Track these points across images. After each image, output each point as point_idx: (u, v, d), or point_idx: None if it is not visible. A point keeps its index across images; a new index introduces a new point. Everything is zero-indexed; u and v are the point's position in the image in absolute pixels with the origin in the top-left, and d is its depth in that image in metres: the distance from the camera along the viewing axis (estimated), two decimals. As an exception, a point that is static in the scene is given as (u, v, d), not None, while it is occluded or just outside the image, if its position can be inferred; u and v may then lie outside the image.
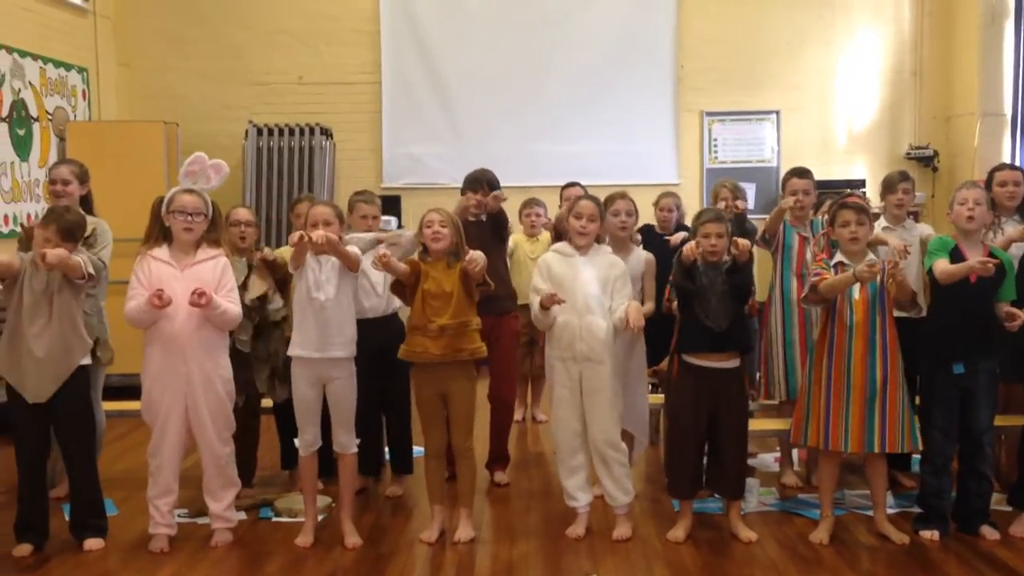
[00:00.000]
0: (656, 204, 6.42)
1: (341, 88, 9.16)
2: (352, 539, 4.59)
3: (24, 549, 4.49)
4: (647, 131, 9.21)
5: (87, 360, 4.57)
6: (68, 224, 4.45)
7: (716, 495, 4.96)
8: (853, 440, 4.45)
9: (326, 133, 8.95)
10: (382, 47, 9.15)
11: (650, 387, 5.97)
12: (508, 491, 5.44)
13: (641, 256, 5.06)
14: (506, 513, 5.07)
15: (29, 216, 7.35)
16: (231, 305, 4.55)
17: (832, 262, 4.53)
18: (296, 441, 4.61)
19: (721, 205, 5.75)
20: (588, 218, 4.62)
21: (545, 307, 4.52)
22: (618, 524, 4.68)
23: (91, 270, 4.50)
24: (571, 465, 4.70)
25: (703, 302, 4.51)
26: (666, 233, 6.33)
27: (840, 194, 5.40)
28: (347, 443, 4.61)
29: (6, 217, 7.28)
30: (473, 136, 8.97)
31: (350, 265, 4.50)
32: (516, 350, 5.68)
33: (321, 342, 4.49)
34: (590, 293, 4.57)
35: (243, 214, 5.23)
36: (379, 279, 5.09)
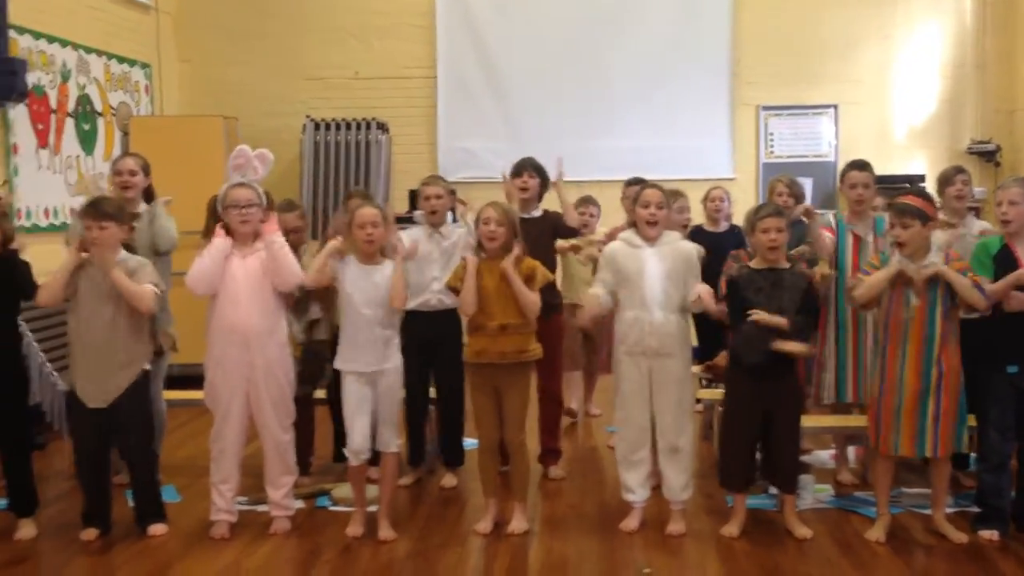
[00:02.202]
0: (705, 198, 6.39)
1: (397, 83, 9.21)
2: (385, 533, 4.61)
3: (90, 534, 4.61)
4: (702, 126, 9.16)
5: (148, 363, 4.66)
6: (102, 208, 4.48)
7: (770, 492, 4.94)
8: (904, 444, 4.41)
9: (382, 127, 9.01)
10: (438, 41, 9.19)
11: (704, 382, 5.98)
12: (561, 485, 5.45)
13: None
14: (559, 507, 5.09)
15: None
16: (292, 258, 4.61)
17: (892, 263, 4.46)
18: (345, 451, 4.63)
19: (778, 200, 5.72)
20: (656, 206, 4.59)
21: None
22: (672, 519, 4.68)
23: (158, 294, 4.57)
24: (633, 460, 4.70)
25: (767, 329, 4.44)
26: (715, 228, 6.31)
27: (899, 190, 5.33)
28: (389, 441, 4.64)
29: (71, 209, 7.41)
30: (528, 130, 8.96)
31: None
32: (562, 346, 5.68)
33: (373, 358, 4.53)
34: (658, 287, 4.55)
35: (290, 220, 5.24)
36: (437, 273, 5.12)
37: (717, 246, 5.65)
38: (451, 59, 9.21)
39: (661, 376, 4.59)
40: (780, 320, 4.40)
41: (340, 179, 8.91)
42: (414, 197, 8.42)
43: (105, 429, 4.57)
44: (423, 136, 9.24)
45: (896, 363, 4.41)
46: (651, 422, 4.65)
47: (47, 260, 5.73)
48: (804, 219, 5.35)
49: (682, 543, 4.55)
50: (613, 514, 4.89)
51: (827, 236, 5.16)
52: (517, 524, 4.68)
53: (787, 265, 4.57)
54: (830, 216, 5.38)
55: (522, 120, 9.12)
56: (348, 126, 8.97)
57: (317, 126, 8.97)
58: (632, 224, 4.73)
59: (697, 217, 6.46)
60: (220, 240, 4.54)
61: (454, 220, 5.43)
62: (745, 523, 4.66)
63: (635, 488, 4.72)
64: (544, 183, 5.49)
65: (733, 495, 4.74)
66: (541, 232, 5.30)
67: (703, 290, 4.48)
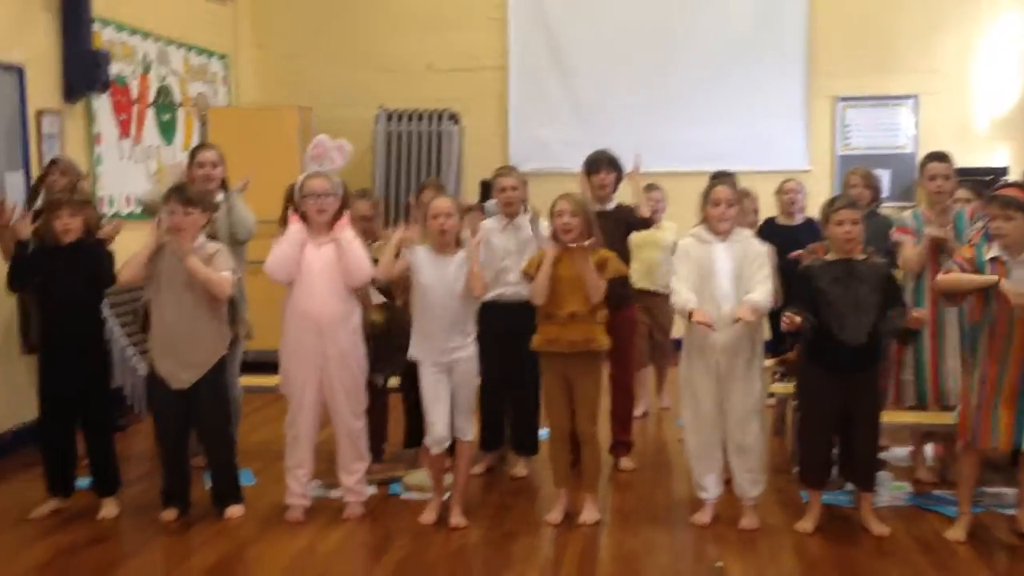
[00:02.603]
0: (779, 190, 6.29)
1: (469, 74, 9.22)
2: (457, 520, 4.63)
3: (169, 514, 4.70)
4: (776, 116, 9.02)
5: (226, 348, 4.74)
6: (184, 190, 4.59)
7: (846, 488, 4.87)
8: (1003, 436, 4.29)
9: (454, 118, 9.03)
10: (509, 33, 9.19)
11: (776, 376, 5.90)
12: (633, 477, 5.43)
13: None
14: (630, 498, 5.07)
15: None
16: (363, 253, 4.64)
17: (987, 256, 4.35)
18: (426, 439, 4.65)
19: (853, 193, 5.61)
20: (726, 204, 4.55)
21: (691, 320, 4.44)
22: (745, 514, 4.63)
23: (234, 283, 4.67)
24: (704, 456, 4.66)
25: (837, 316, 4.38)
26: (790, 221, 6.21)
27: (985, 184, 5.19)
28: (465, 428, 4.66)
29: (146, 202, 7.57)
30: (599, 121, 8.90)
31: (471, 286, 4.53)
32: (634, 338, 5.65)
33: (448, 347, 4.55)
34: (728, 284, 4.50)
35: (363, 208, 5.27)
36: (514, 266, 5.12)
37: (791, 239, 5.56)
38: (523, 49, 9.19)
39: (730, 373, 4.54)
40: (798, 321, 4.32)
41: (412, 170, 8.95)
42: (485, 187, 8.46)
43: (185, 411, 4.66)
44: (494, 127, 9.24)
45: (997, 355, 4.28)
46: (720, 417, 4.60)
47: (129, 247, 5.87)
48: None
49: (755, 538, 4.50)
50: (684, 507, 4.86)
51: (908, 242, 5.07)
52: (588, 515, 4.67)
53: (862, 256, 4.48)
54: (907, 215, 5.28)
55: (593, 110, 9.07)
56: (420, 117, 9.00)
57: (390, 117, 9.02)
58: (703, 220, 4.68)
59: (769, 210, 6.37)
60: (295, 226, 4.59)
61: (524, 210, 5.41)
62: (820, 519, 4.59)
63: (707, 485, 4.68)
64: (619, 176, 5.45)
65: (809, 491, 4.66)
66: (614, 226, 5.27)
67: (744, 311, 4.39)
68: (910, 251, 5.08)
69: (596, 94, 9.11)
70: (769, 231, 5.83)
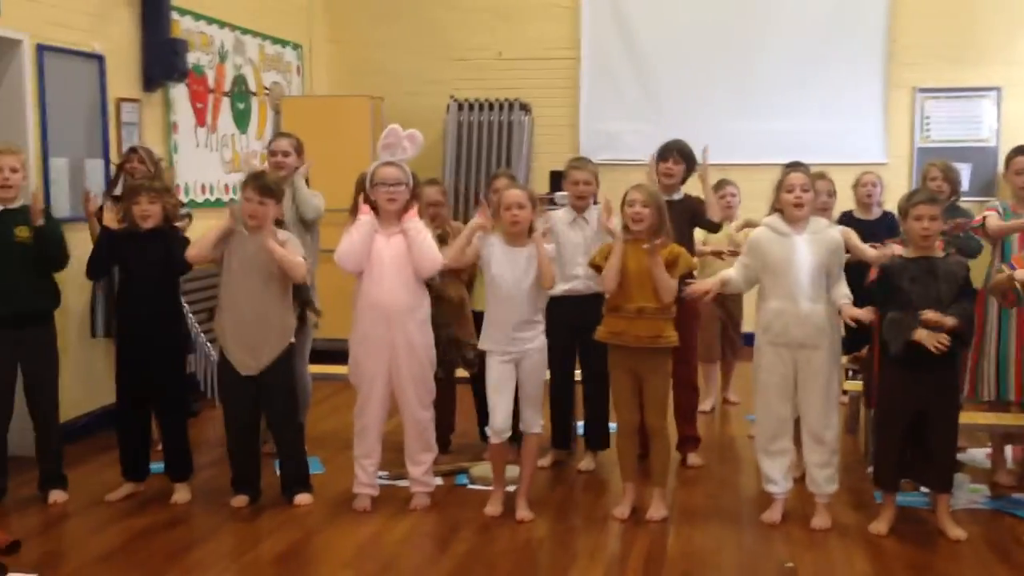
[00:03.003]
0: (856, 183, 6.15)
1: (540, 63, 9.16)
2: (523, 513, 4.61)
3: (240, 500, 4.77)
4: (853, 108, 8.81)
5: (293, 336, 4.78)
6: (262, 180, 4.63)
7: (921, 489, 4.75)
8: None
9: (524, 108, 9.01)
10: (582, 22, 9.10)
11: (850, 373, 5.79)
12: (700, 473, 5.38)
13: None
14: (698, 495, 5.01)
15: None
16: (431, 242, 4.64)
17: None
18: (487, 429, 4.65)
19: (932, 186, 5.47)
20: (801, 188, 4.44)
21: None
22: (817, 513, 4.55)
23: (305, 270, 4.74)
24: (773, 450, 4.59)
25: (915, 314, 4.26)
26: (867, 215, 6.08)
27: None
28: (532, 421, 4.64)
29: (227, 186, 7.69)
30: (671, 112, 8.79)
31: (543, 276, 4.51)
32: (697, 331, 5.58)
33: (518, 338, 4.53)
34: (805, 277, 4.41)
35: (432, 194, 5.28)
36: (582, 259, 5.06)
37: (868, 233, 5.43)
38: (596, 39, 9.10)
39: (807, 368, 4.46)
40: (950, 320, 4.20)
41: (482, 159, 8.95)
42: (555, 178, 8.42)
43: (254, 398, 4.71)
44: (565, 117, 9.18)
45: None
46: (792, 413, 4.53)
47: (202, 232, 5.95)
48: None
49: (827, 538, 4.42)
50: (753, 505, 4.80)
51: (993, 216, 4.92)
52: (656, 511, 4.62)
53: (942, 254, 4.37)
54: (996, 203, 5.13)
55: (665, 102, 8.96)
56: (491, 106, 9.00)
57: (460, 106, 9.03)
58: (777, 210, 4.58)
59: (846, 203, 6.23)
60: (365, 217, 4.60)
61: (594, 203, 5.37)
62: (894, 521, 4.48)
63: (777, 479, 4.60)
64: (689, 168, 5.38)
65: (883, 492, 4.56)
66: (680, 217, 5.19)
67: (847, 314, 4.34)
68: (996, 220, 4.92)
69: (669, 85, 9.00)
70: (845, 224, 5.70)
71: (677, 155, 5.32)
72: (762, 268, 4.51)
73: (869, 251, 4.89)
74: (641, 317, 4.47)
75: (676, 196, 5.34)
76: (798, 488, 4.71)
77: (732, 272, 4.59)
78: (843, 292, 4.46)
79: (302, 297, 5.03)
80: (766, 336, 4.53)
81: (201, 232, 4.80)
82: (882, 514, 4.51)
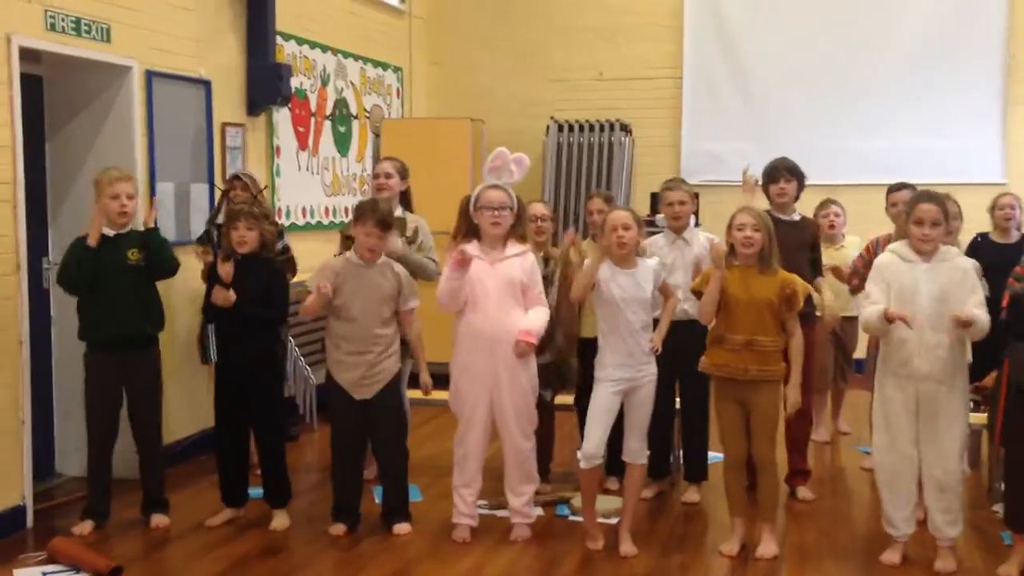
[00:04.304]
0: (993, 205, 5.82)
1: (641, 83, 9.02)
2: (627, 548, 4.46)
3: (339, 529, 4.70)
4: (968, 126, 8.44)
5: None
6: (383, 215, 4.59)
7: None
8: None
9: (625, 129, 8.88)
10: (685, 41, 8.93)
11: (971, 405, 5.47)
12: (811, 508, 5.15)
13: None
14: (810, 532, 4.79)
15: (346, 209, 7.73)
16: (543, 316, 4.56)
17: None
18: (579, 452, 4.51)
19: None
20: (931, 224, 4.18)
21: (890, 320, 4.13)
22: (941, 555, 4.27)
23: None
24: (898, 491, 4.32)
25: None
26: (1005, 239, 5.73)
27: None
28: (638, 452, 4.51)
29: (327, 209, 7.71)
30: (776, 132, 8.49)
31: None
32: (814, 359, 5.31)
33: (636, 364, 4.40)
34: (931, 307, 4.16)
35: (540, 208, 5.23)
36: (682, 283, 4.93)
37: (1005, 257, 5.12)
38: (698, 59, 8.92)
39: (930, 403, 4.20)
40: None
41: (582, 181, 8.85)
42: (656, 200, 8.25)
43: (363, 423, 4.66)
44: (666, 138, 9.01)
45: None
46: (917, 450, 4.27)
47: (303, 257, 5.97)
48: None
49: (952, 583, 4.16)
50: (870, 544, 4.57)
51: None
52: (766, 548, 4.42)
53: None
54: None
55: (770, 121, 8.70)
56: (591, 127, 8.90)
57: (560, 127, 8.95)
58: (901, 235, 4.34)
59: (976, 224, 5.90)
60: (456, 266, 4.45)
61: (696, 224, 5.19)
62: (1025, 565, 4.19)
63: (899, 524, 4.34)
64: (800, 185, 5.22)
65: (1014, 534, 4.26)
66: (798, 240, 5.00)
67: (969, 314, 4.03)
68: None
69: (773, 104, 8.76)
70: (981, 248, 5.43)
71: (787, 173, 5.16)
72: (886, 296, 4.25)
73: None
74: (749, 349, 4.29)
75: (793, 216, 5.17)
76: (920, 527, 4.43)
77: (876, 307, 4.23)
78: (975, 302, 4.15)
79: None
80: (888, 367, 4.28)
81: (307, 252, 4.71)
82: (1012, 557, 4.22)
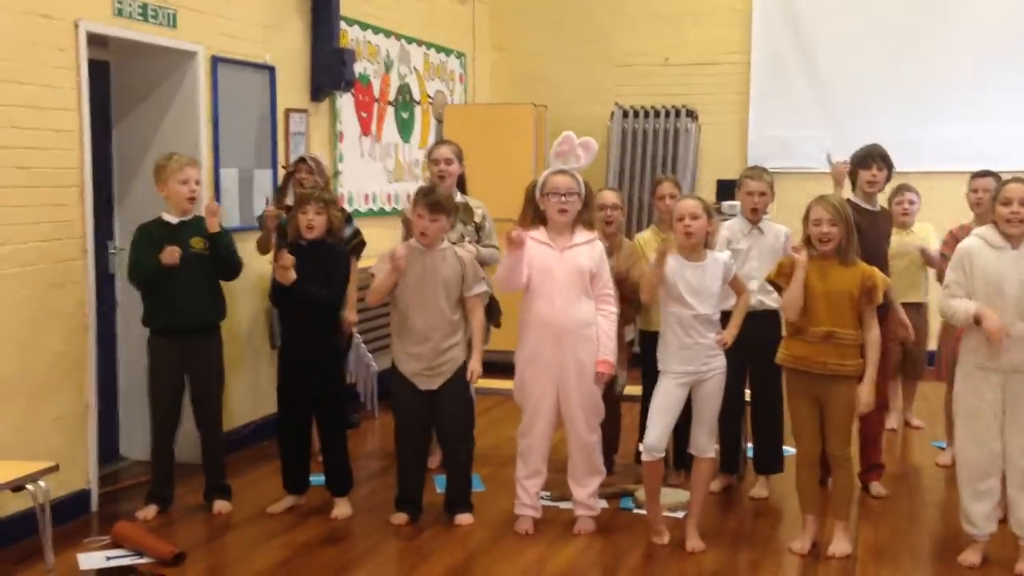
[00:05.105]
0: None
1: (708, 69, 8.84)
2: (693, 543, 4.36)
3: (400, 518, 4.65)
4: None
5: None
6: (435, 198, 4.50)
7: None
8: None
9: (691, 115, 8.74)
10: (753, 26, 8.72)
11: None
12: (885, 505, 5.00)
13: None
14: (883, 530, 4.64)
15: (408, 195, 7.67)
16: (611, 317, 4.47)
17: None
18: (640, 445, 4.41)
19: None
20: (1019, 202, 3.99)
21: (978, 323, 3.97)
22: (1023, 557, 4.09)
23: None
24: (980, 489, 4.15)
25: None
26: None
27: None
28: (706, 446, 4.40)
29: (389, 195, 7.66)
30: (848, 118, 8.29)
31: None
32: (889, 350, 5.19)
33: (702, 358, 4.28)
34: (1020, 296, 3.98)
35: (610, 197, 5.13)
36: (755, 271, 4.79)
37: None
38: (767, 43, 8.70)
39: (1016, 395, 4.02)
40: None
41: (647, 168, 8.72)
42: (722, 187, 8.11)
43: (429, 412, 4.60)
44: (733, 124, 8.83)
45: None
46: (1002, 446, 4.09)
47: (373, 242, 5.91)
48: None
49: (1037, 586, 3.99)
50: (947, 544, 4.42)
51: None
52: (839, 546, 4.29)
53: None
54: None
55: (842, 108, 8.47)
56: (656, 113, 8.77)
57: (625, 113, 8.83)
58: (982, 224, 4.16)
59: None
60: (511, 248, 4.35)
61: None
62: (1117, 568, 4.00)
63: (979, 522, 4.16)
64: (890, 175, 5.07)
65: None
66: (878, 231, 4.86)
67: None
68: None
69: (844, 89, 8.52)
70: None
71: (880, 161, 5.00)
72: (970, 283, 4.08)
73: None
74: (828, 342, 4.14)
75: (875, 207, 5.04)
76: (1000, 527, 4.25)
77: (963, 302, 4.06)
78: None
79: (494, 317, 5.00)
80: (974, 360, 4.10)
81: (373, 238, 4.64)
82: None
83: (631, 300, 4.84)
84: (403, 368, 4.58)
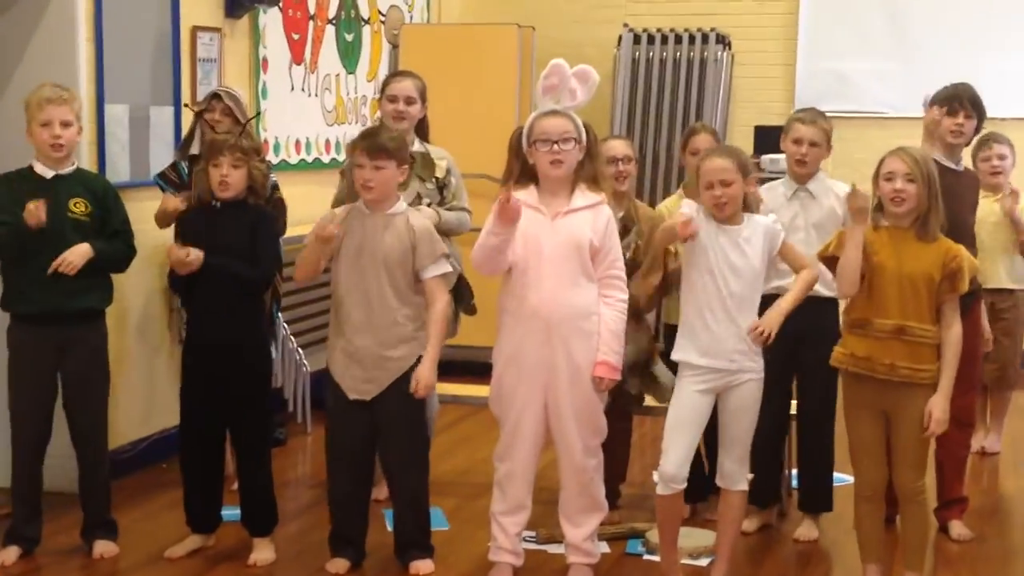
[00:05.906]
0: None
1: (745, -15, 9.05)
2: None
3: (339, 565, 4.65)
4: None
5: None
6: (378, 141, 4.49)
7: None
8: None
9: (723, 42, 8.87)
10: (804, -68, 8.93)
11: None
12: (969, 549, 5.09)
13: None
14: (969, 580, 4.76)
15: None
16: (618, 306, 4.44)
17: None
18: (655, 473, 4.44)
19: None
20: None
21: None
22: None
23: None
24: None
25: None
26: None
27: None
28: (736, 475, 4.45)
29: (327, 143, 7.64)
30: (923, 50, 8.51)
31: None
32: (978, 352, 5.25)
33: (733, 355, 4.30)
34: None
35: (619, 147, 5.17)
36: (801, 246, 4.79)
37: None
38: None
39: None
40: None
41: (664, 108, 8.89)
42: (761, 136, 8.14)
43: (368, 430, 4.61)
44: (777, 55, 8.99)
45: None
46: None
47: (297, 205, 5.87)
48: None
49: None
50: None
51: None
52: (910, 605, 4.36)
53: None
54: None
55: (917, 36, 8.65)
56: (677, 39, 8.91)
57: (637, 38, 8.96)
58: None
59: None
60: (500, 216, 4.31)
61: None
62: None
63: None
64: (979, 126, 5.11)
65: None
66: (964, 193, 4.89)
67: None
68: None
69: (918, 14, 8.68)
70: None
71: (970, 106, 5.03)
72: None
73: None
74: (899, 339, 4.16)
75: (959, 166, 5.08)
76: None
77: None
78: None
79: (464, 301, 5.05)
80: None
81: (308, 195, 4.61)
82: None
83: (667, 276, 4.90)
84: (334, 369, 4.60)
